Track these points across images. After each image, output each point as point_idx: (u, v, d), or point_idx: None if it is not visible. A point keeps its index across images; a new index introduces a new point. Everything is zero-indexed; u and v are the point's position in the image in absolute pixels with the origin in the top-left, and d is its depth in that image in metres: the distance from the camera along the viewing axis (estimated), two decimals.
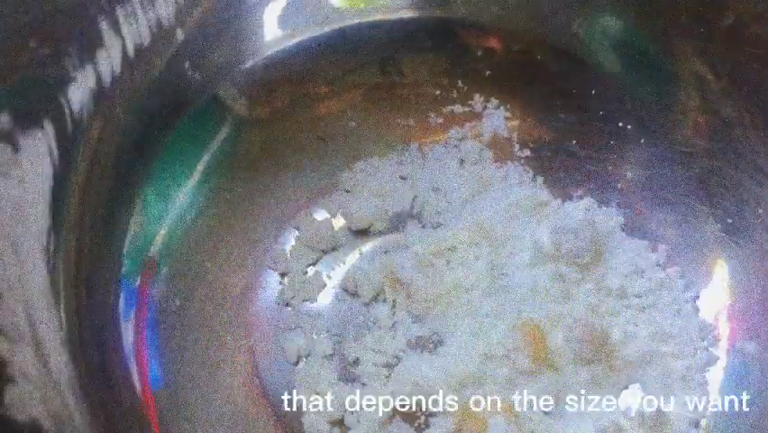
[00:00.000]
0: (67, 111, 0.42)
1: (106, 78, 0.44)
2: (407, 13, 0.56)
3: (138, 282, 0.49)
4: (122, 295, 0.48)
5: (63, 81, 0.42)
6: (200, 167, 0.53)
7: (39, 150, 0.42)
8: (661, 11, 0.51)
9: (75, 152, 0.43)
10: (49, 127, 0.41)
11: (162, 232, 0.51)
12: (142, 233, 0.50)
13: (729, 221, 0.50)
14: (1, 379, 0.38)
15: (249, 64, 0.54)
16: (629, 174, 0.55)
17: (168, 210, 0.52)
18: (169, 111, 0.50)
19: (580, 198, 0.55)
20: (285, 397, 0.50)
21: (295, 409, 0.50)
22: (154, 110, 0.49)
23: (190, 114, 0.51)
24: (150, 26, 0.47)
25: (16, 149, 0.41)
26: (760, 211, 0.49)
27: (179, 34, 0.49)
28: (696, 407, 0.47)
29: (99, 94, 0.43)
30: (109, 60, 0.44)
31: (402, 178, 0.57)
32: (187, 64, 0.50)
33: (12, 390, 0.38)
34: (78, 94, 0.42)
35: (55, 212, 0.42)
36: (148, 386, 0.47)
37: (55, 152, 0.43)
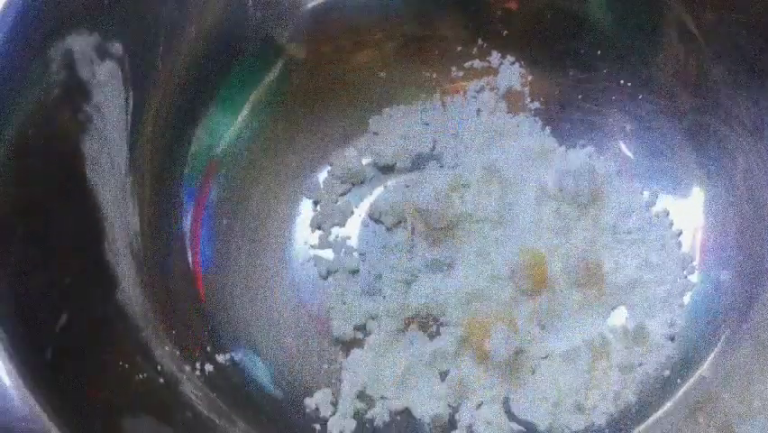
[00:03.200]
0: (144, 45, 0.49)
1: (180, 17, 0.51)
2: None
3: (194, 203, 0.56)
4: (184, 200, 0.55)
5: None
6: (248, 105, 0.59)
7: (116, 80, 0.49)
8: None
9: (149, 85, 0.50)
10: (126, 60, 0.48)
11: (212, 164, 0.58)
12: (195, 163, 0.56)
13: (712, 168, 0.56)
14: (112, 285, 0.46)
15: (309, 6, 0.59)
16: (627, 126, 0.60)
17: (216, 144, 0.58)
18: (227, 50, 0.56)
19: (583, 146, 0.60)
20: (316, 304, 0.56)
21: (324, 315, 0.56)
22: (215, 49, 0.55)
23: (246, 53, 0.57)
24: None
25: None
26: (740, 160, 0.54)
27: None
28: (673, 324, 0.53)
29: (173, 30, 0.50)
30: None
31: (425, 123, 0.62)
32: (250, 1, 0.56)
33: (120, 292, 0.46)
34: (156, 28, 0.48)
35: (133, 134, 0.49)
36: (199, 271, 0.54)
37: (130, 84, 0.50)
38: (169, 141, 0.54)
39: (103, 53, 0.47)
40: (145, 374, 0.45)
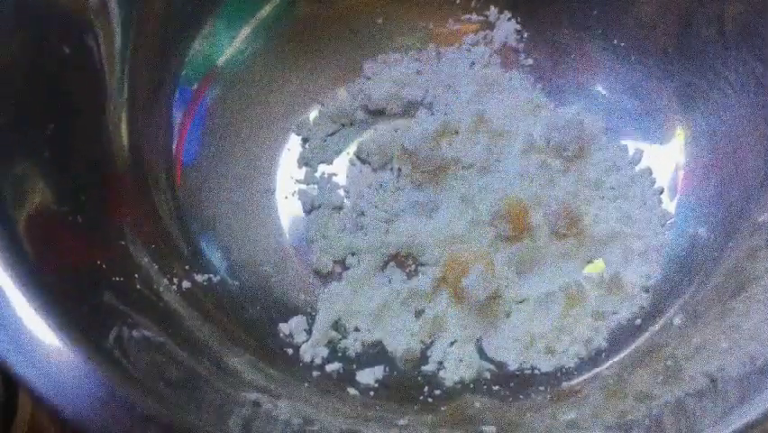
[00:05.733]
0: None
1: None
2: None
3: (185, 111, 0.57)
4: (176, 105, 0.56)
5: None
6: (250, 25, 0.60)
7: None
8: None
9: None
10: None
11: (210, 74, 0.59)
12: (192, 68, 0.57)
13: (698, 128, 0.57)
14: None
15: None
16: (618, 86, 0.61)
17: (216, 55, 0.59)
18: None
19: (573, 103, 0.61)
20: (297, 236, 0.57)
21: (305, 247, 0.57)
22: None
23: None
24: None
25: None
26: (725, 119, 0.55)
27: None
28: (649, 276, 0.54)
29: None
30: None
31: (418, 72, 0.63)
32: None
33: None
34: None
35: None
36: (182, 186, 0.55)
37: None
38: (168, 43, 0.55)
39: None
40: (122, 278, 0.46)
